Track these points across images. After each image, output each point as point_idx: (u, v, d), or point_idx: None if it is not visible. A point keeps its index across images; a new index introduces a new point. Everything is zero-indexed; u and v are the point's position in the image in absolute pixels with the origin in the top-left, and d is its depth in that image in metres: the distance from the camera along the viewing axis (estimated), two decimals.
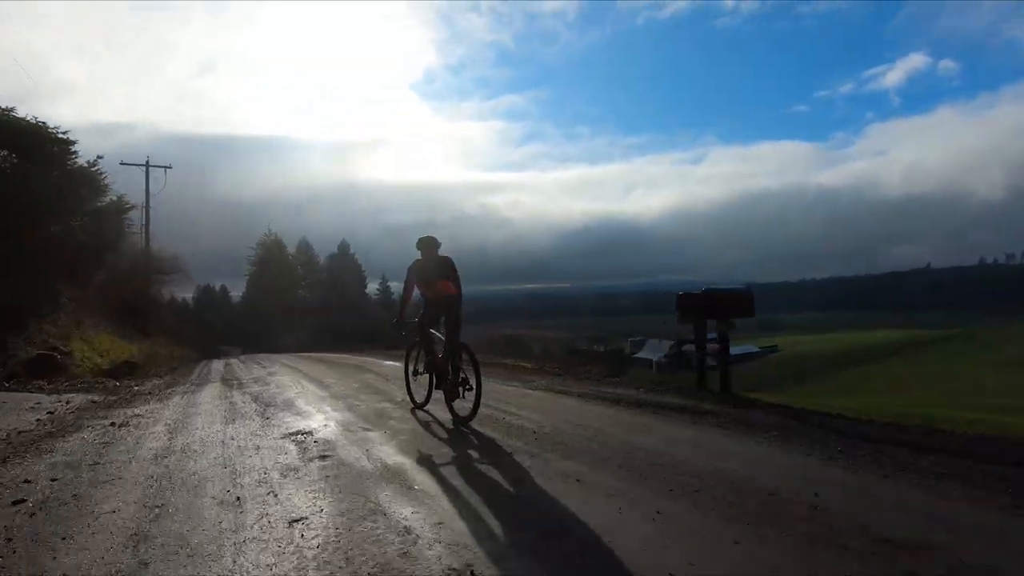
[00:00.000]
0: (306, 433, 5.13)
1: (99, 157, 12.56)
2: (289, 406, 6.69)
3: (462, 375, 5.35)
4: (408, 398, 6.30)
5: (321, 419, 5.82)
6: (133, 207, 13.75)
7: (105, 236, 12.93)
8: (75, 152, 11.76)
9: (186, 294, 49.02)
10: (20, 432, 5.43)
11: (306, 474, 3.85)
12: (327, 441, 4.80)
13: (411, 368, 6.22)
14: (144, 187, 24.86)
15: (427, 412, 5.92)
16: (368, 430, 5.23)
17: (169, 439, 5.05)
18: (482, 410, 5.85)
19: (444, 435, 4.99)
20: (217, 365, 15.03)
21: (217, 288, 56.96)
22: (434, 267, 5.53)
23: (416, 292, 5.78)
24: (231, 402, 7.17)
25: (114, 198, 13.43)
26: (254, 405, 6.83)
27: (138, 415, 6.35)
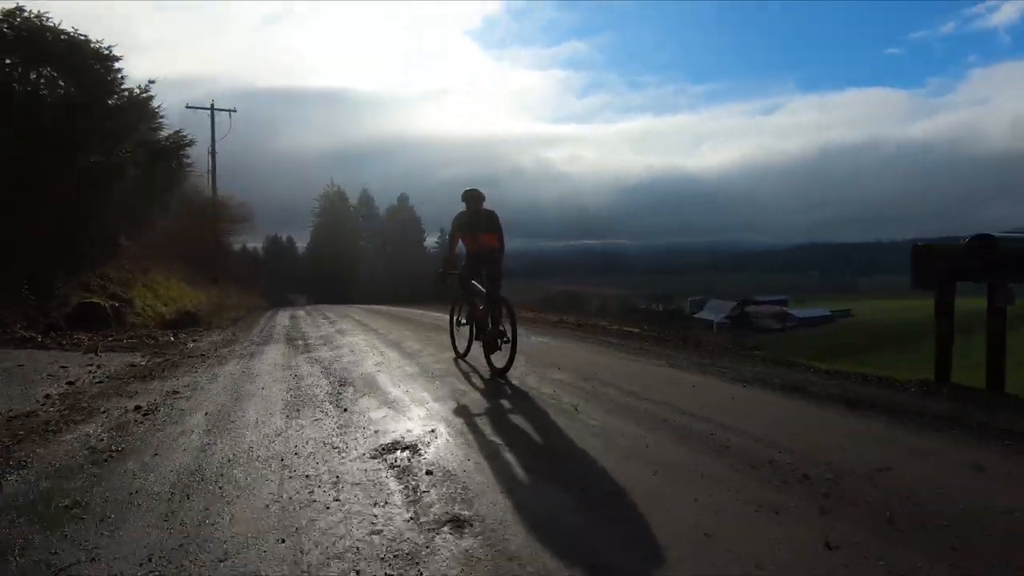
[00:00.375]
0: (408, 447, 3.18)
1: (151, 82, 10.86)
2: (371, 387, 4.82)
3: (501, 327, 5.19)
4: (452, 348, 6.27)
5: (422, 417, 3.87)
6: (192, 142, 12.15)
7: (163, 173, 11.48)
8: (119, 71, 10.10)
9: (256, 243, 49.69)
10: (11, 419, 3.79)
11: None
12: (447, 472, 2.82)
13: (455, 319, 6.20)
14: (211, 132, 23.78)
15: (467, 363, 5.74)
16: (506, 447, 3.21)
17: (204, 447, 3.23)
18: (658, 411, 3.79)
19: (646, 473, 2.89)
20: (282, 318, 13.70)
21: (284, 239, 57.50)
22: (478, 220, 5.39)
23: (461, 244, 5.64)
24: (296, 375, 5.40)
25: (169, 132, 11.87)
26: (325, 383, 5.01)
27: (176, 393, 4.65)
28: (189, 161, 12.46)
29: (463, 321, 5.94)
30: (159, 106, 11.32)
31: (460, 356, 5.99)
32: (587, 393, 4.45)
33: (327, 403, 4.25)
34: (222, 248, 26.06)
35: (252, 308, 21.62)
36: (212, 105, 23.65)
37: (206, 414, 3.97)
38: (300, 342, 8.04)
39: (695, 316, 71.90)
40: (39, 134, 8.52)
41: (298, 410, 4.06)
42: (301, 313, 15.28)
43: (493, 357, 5.24)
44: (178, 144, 11.79)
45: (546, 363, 5.73)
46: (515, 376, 5.05)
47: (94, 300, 8.44)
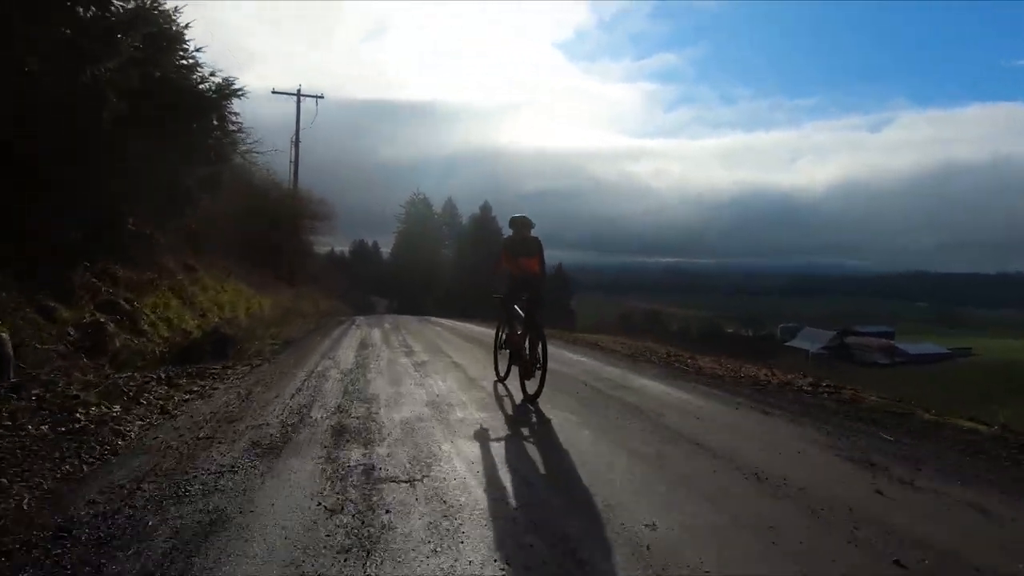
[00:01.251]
0: None
1: None
2: None
3: (537, 354, 4.90)
4: (494, 370, 5.95)
5: None
6: (241, 92, 8.05)
7: (199, 132, 7.60)
8: None
9: (343, 247, 48.05)
10: None
11: None
12: None
13: (499, 340, 5.91)
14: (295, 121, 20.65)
15: (506, 387, 5.41)
16: None
17: None
18: None
19: None
20: (349, 344, 9.34)
21: (370, 243, 55.94)
22: (523, 246, 5.27)
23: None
24: None
25: (207, 74, 7.81)
26: None
27: None
28: (237, 119, 8.42)
29: (504, 345, 5.67)
30: (187, 24, 7.20)
31: (500, 379, 5.70)
32: None
33: None
34: (302, 246, 22.85)
35: (325, 317, 17.96)
36: (299, 91, 20.56)
37: None
38: (356, 448, 3.41)
39: (787, 344, 63.01)
40: None
41: None
42: (376, 336, 10.94)
43: (528, 383, 4.96)
44: (221, 92, 7.77)
45: None
46: None
47: None
